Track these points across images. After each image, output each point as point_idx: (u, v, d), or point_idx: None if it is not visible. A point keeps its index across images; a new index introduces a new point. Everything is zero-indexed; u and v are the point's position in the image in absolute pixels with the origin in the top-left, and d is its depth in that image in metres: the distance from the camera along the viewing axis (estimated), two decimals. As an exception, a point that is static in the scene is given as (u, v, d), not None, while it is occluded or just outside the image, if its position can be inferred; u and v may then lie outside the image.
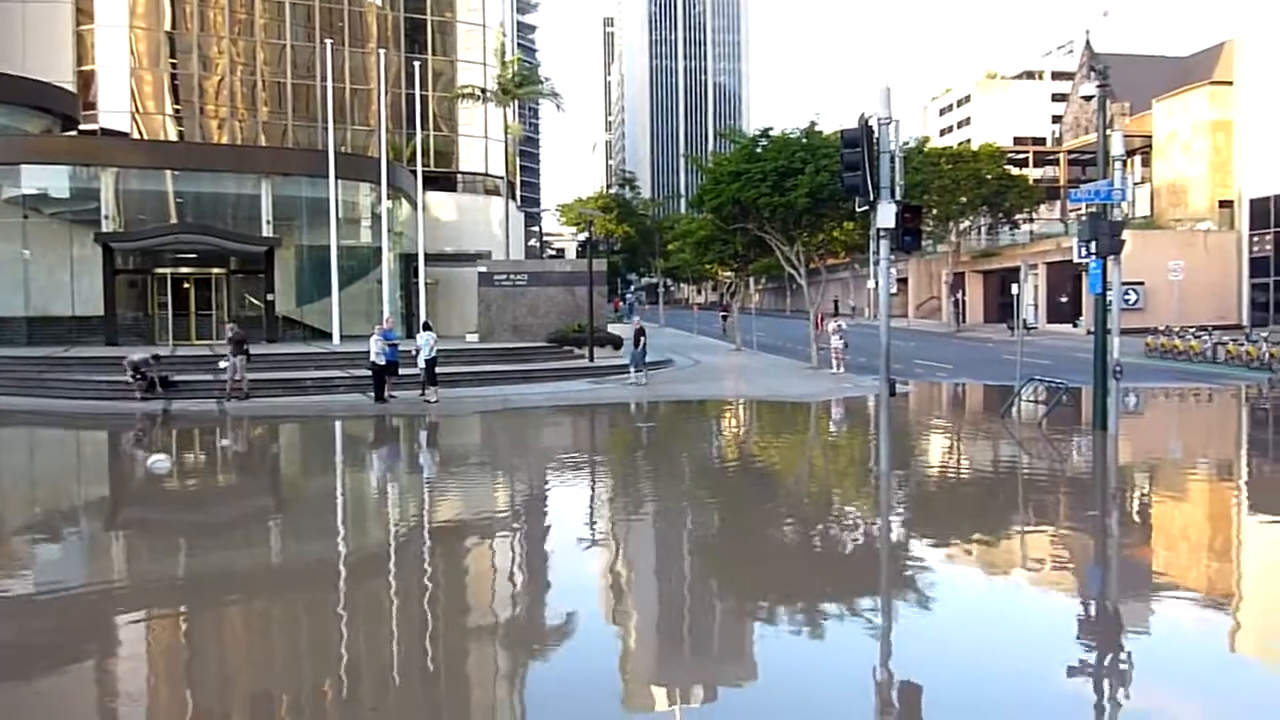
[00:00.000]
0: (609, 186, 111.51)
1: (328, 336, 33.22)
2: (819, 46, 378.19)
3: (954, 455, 16.52)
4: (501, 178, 47.53)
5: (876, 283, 13.09)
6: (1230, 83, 54.85)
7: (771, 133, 31.89)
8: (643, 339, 26.21)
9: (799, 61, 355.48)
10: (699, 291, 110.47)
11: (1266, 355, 29.67)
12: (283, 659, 6.94)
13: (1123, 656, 6.68)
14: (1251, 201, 46.30)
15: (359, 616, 7.71)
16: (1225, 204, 52.56)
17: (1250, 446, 18.04)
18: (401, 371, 22.72)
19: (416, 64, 41.58)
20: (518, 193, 60.00)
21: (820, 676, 6.27)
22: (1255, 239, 45.42)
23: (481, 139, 47.53)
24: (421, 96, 41.56)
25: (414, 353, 22.74)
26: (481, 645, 7.13)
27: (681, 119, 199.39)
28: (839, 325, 28.26)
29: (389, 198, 36.26)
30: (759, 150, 31.10)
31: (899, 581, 8.52)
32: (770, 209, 29.57)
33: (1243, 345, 31.28)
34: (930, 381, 28.22)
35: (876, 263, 12.64)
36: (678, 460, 16.13)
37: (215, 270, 34.44)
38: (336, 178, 33.89)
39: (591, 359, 30.04)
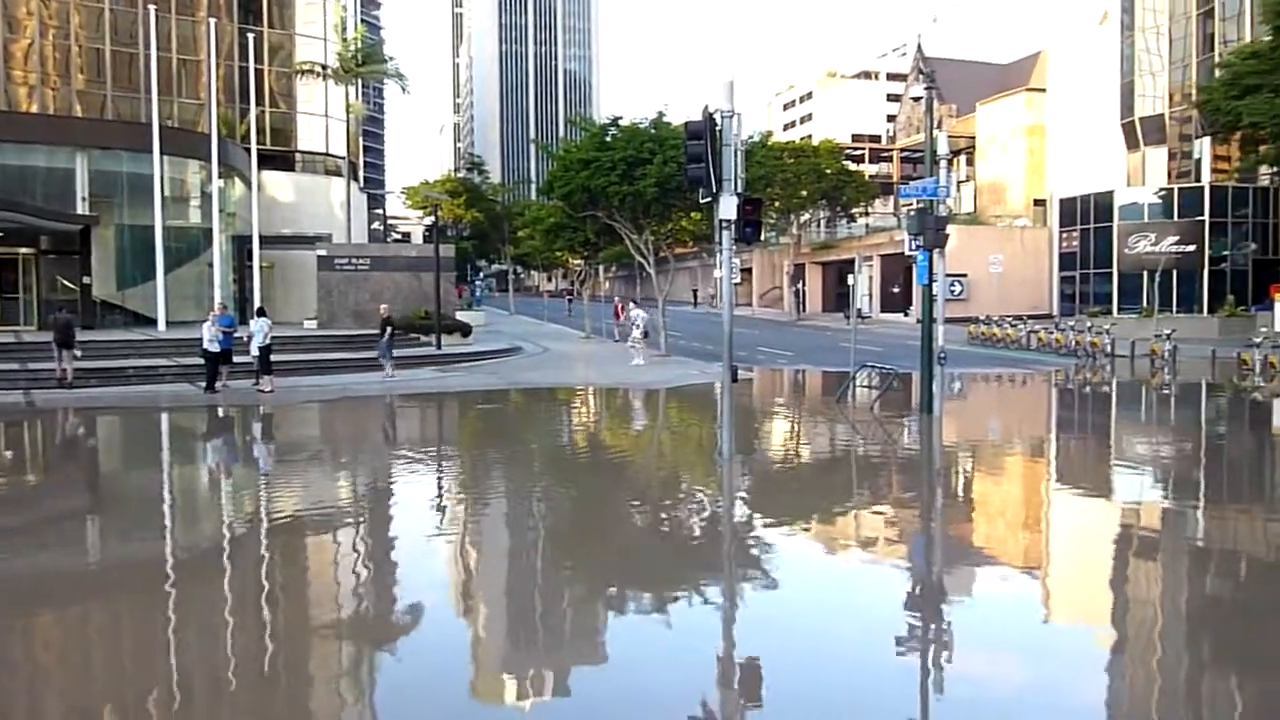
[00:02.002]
0: (457, 170, 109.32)
1: (152, 323, 31.23)
2: (668, 37, 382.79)
3: (793, 438, 17.16)
4: (343, 158, 45.75)
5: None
6: (1044, 90, 59.11)
7: (621, 122, 32.11)
8: (389, 328, 23.91)
9: (648, 51, 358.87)
10: (550, 279, 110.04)
11: (1073, 343, 32.26)
12: (103, 671, 6.50)
13: (945, 624, 7.13)
14: (1061, 201, 50.06)
15: (187, 621, 7.31)
16: (1039, 202, 56.65)
17: (1058, 426, 19.59)
18: (236, 360, 21.67)
19: (251, 36, 39.44)
20: (360, 174, 58.01)
21: (666, 658, 6.40)
22: (1064, 236, 49.15)
23: (322, 117, 45.53)
24: (257, 70, 39.48)
25: (245, 339, 21.73)
26: (323, 645, 6.90)
27: (532, 104, 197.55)
28: (640, 314, 28.84)
29: (220, 176, 34.36)
30: (609, 139, 31.26)
31: (742, 562, 8.79)
32: (619, 198, 29.79)
33: (1052, 333, 33.94)
34: (772, 368, 29.16)
35: (721, 252, 12.95)
36: (524, 448, 16.03)
37: (23, 250, 31.71)
38: (162, 153, 31.85)
39: (439, 346, 29.50)
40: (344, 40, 44.56)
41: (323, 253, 33.88)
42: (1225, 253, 43.75)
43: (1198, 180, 46.50)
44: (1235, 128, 36.41)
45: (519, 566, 9.07)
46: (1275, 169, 39.22)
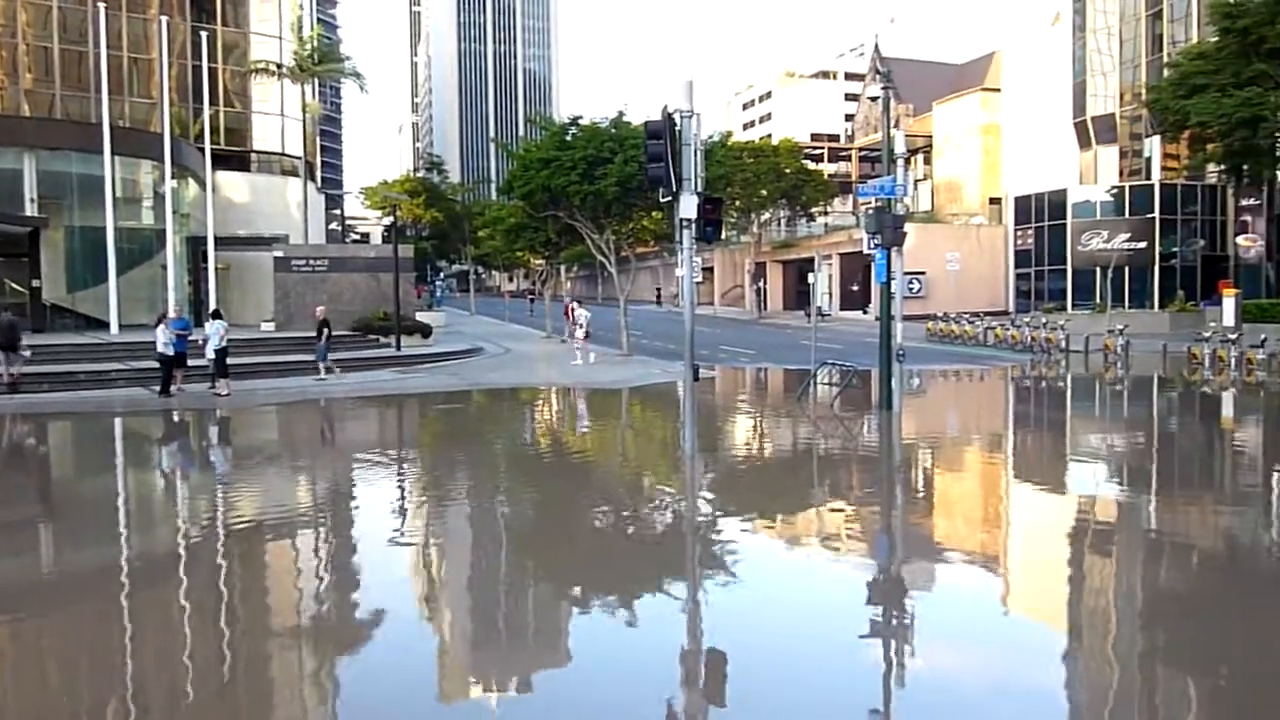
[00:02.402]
0: (416, 170, 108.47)
1: (105, 326, 30.63)
2: (628, 37, 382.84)
3: (755, 436, 17.24)
4: (300, 158, 45.17)
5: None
6: (998, 90, 59.99)
7: (581, 121, 32.06)
8: (325, 330, 23.60)
9: (608, 51, 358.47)
10: (511, 279, 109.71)
11: (1028, 339, 32.78)
12: (56, 682, 6.36)
13: (908, 616, 7.21)
14: (1015, 199, 50.84)
15: (145, 629, 7.19)
16: (995, 201, 57.49)
17: (1014, 420, 19.89)
18: (191, 363, 21.34)
19: (205, 34, 38.83)
20: (318, 174, 57.24)
21: (631, 656, 6.41)
22: (1019, 233, 49.93)
23: (278, 117, 44.94)
24: (211, 69, 38.92)
25: (201, 343, 21.40)
26: (284, 651, 6.81)
27: (491, 103, 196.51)
28: (584, 314, 29.26)
29: (174, 176, 33.78)
30: (569, 138, 31.21)
31: (705, 558, 8.82)
32: (580, 197, 29.74)
33: (1008, 330, 34.46)
34: (733, 366, 29.29)
35: (683, 251, 12.99)
36: (487, 449, 15.98)
37: (-32, 252, 31.02)
38: (113, 153, 31.26)
39: (399, 348, 29.28)
40: (300, 39, 44.03)
41: (279, 254, 33.45)
42: (1175, 249, 44.72)
43: (1148, 178, 47.47)
44: (1183, 126, 37.23)
45: (484, 566, 9.03)
46: (1222, 167, 40.13)
